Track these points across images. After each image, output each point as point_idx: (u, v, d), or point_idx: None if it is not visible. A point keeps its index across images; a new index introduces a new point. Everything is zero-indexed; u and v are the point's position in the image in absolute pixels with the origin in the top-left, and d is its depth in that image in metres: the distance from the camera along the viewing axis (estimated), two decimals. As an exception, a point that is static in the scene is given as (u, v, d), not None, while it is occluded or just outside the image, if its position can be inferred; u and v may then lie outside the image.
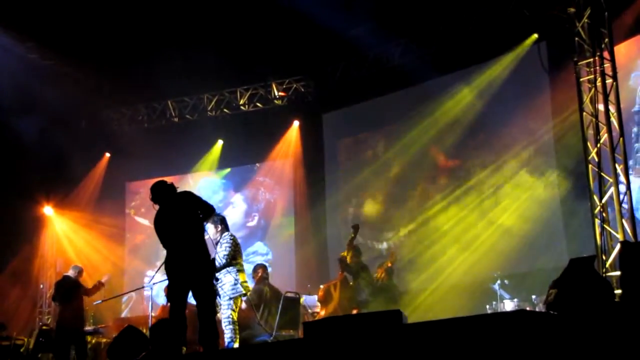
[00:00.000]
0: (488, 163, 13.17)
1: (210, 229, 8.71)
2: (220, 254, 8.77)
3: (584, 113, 10.34)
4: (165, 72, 14.41)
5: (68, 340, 11.03)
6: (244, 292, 8.89)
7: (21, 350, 12.47)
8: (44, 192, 16.13)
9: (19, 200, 14.76)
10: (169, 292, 7.67)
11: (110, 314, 14.61)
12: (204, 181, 17.13)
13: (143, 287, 12.80)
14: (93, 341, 12.38)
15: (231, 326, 8.63)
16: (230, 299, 8.68)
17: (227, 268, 8.80)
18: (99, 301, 11.66)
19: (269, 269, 13.79)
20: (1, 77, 13.18)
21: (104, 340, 12.62)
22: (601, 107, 10.09)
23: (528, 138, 12.62)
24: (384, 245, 14.22)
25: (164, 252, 7.63)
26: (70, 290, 11.23)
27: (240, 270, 8.96)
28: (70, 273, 11.61)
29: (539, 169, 12.47)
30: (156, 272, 10.59)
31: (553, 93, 12.30)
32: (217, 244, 8.90)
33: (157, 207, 7.81)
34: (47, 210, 16.46)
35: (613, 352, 3.93)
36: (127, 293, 15.08)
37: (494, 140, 13.16)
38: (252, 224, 16.71)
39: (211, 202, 7.99)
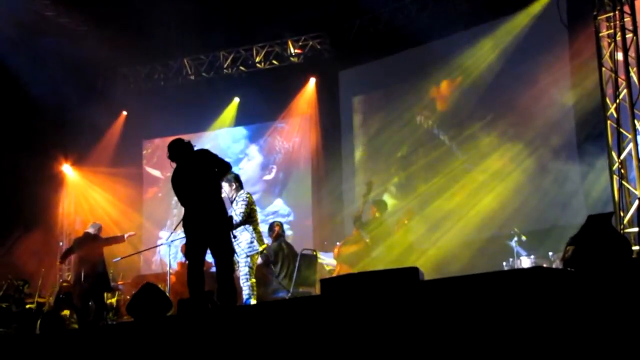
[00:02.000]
0: (505, 120, 13.06)
1: (225, 187, 8.73)
2: (236, 211, 8.81)
3: (603, 69, 10.21)
4: (180, 29, 14.36)
5: (88, 293, 11.18)
6: (260, 249, 8.95)
7: (44, 308, 12.67)
8: (62, 151, 16.24)
9: (37, 158, 14.85)
10: (187, 249, 7.73)
11: (129, 271, 14.75)
12: (220, 134, 17.08)
13: (161, 244, 12.89)
14: (114, 299, 12.52)
15: (249, 283, 8.70)
16: (248, 256, 8.74)
17: (244, 225, 8.84)
18: (118, 258, 11.79)
19: (290, 232, 13.86)
20: (17, 35, 13.17)
21: (124, 297, 12.78)
22: (621, 61, 9.95)
23: (547, 95, 12.48)
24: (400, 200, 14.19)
25: (175, 210, 7.70)
26: (89, 244, 11.36)
27: (257, 228, 9.01)
28: (90, 230, 11.73)
29: (557, 125, 12.36)
30: (174, 229, 10.66)
31: (572, 49, 12.15)
32: (232, 202, 8.94)
33: (174, 164, 7.87)
34: (65, 168, 16.57)
35: (630, 308, 3.93)
36: (145, 250, 15.20)
37: (512, 98, 13.03)
38: (269, 177, 16.61)
39: (228, 154, 8.01)
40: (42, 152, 15.19)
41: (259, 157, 16.76)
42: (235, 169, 8.63)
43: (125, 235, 11.99)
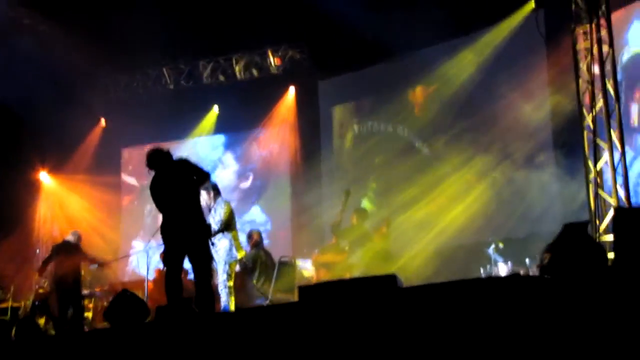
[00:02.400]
0: (482, 129, 13.14)
1: (204, 196, 8.76)
2: (214, 219, 8.83)
3: (580, 80, 10.33)
4: (160, 39, 14.32)
5: (66, 300, 11.12)
6: (239, 256, 8.95)
7: (18, 312, 12.58)
8: (39, 158, 16.13)
9: (13, 165, 14.77)
10: (166, 256, 7.73)
11: (106, 278, 14.67)
12: (199, 143, 17.04)
13: (139, 252, 12.85)
14: (91, 305, 12.46)
15: (227, 290, 8.71)
16: (226, 263, 8.76)
17: (222, 233, 8.86)
18: (95, 265, 11.76)
19: (267, 241, 13.83)
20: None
21: (101, 303, 12.70)
22: (598, 73, 10.07)
23: (524, 105, 12.59)
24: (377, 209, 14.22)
25: (148, 219, 7.72)
26: (69, 251, 11.32)
27: (235, 236, 9.02)
28: (70, 238, 11.69)
29: (534, 134, 12.46)
30: (152, 236, 10.63)
31: (550, 60, 12.28)
32: (210, 210, 8.96)
33: (150, 173, 7.88)
34: (43, 176, 16.47)
35: (605, 315, 3.98)
36: (123, 257, 15.15)
37: (489, 107, 13.12)
38: (246, 185, 16.58)
39: (205, 162, 8.05)
40: (19, 159, 15.11)
41: (235, 165, 16.73)
42: (212, 177, 8.66)
43: (103, 263, 12.00)
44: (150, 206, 16.17)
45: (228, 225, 8.91)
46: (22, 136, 14.90)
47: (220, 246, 8.78)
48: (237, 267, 9.47)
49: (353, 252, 10.68)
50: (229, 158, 16.80)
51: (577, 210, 10.52)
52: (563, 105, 11.68)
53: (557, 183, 11.80)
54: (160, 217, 7.95)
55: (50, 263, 11.58)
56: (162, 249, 8.62)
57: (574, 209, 10.81)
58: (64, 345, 6.18)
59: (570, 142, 11.28)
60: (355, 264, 10.57)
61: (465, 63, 13.42)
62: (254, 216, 16.06)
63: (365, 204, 13.91)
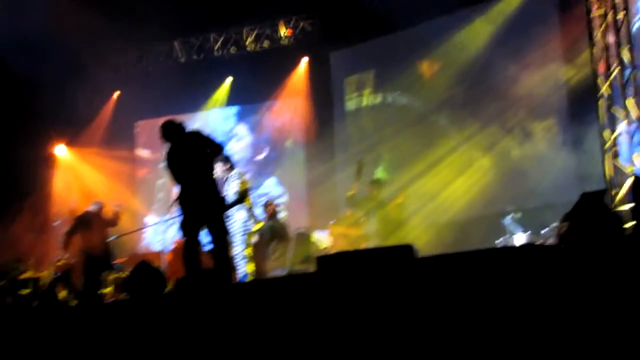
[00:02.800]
0: (497, 98, 13.09)
1: (218, 168, 8.77)
2: (229, 191, 8.85)
3: (595, 48, 10.26)
4: (171, 12, 14.27)
5: (95, 271, 11.23)
6: (255, 228, 9.00)
7: (39, 284, 12.70)
8: (55, 131, 16.21)
9: (30, 139, 14.85)
10: (183, 226, 7.77)
11: (125, 250, 14.78)
12: (212, 115, 17.03)
13: (157, 223, 12.89)
14: (110, 277, 12.54)
15: (244, 261, 8.77)
16: (243, 235, 8.80)
17: (238, 205, 8.89)
18: (113, 237, 11.82)
19: (285, 213, 13.88)
20: (8, 17, 13.09)
21: (120, 275, 12.79)
22: (613, 41, 10.00)
23: (539, 74, 12.51)
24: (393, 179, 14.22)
25: (161, 193, 7.75)
26: (91, 222, 11.37)
27: (251, 207, 9.06)
28: (92, 208, 11.75)
29: (549, 103, 12.40)
30: (170, 206, 10.68)
31: (563, 29, 12.18)
32: (225, 182, 8.97)
33: (165, 145, 7.91)
34: (59, 149, 16.56)
35: (622, 284, 3.99)
36: (141, 229, 15.25)
37: (504, 76, 13.04)
38: (260, 157, 16.57)
39: (218, 134, 8.05)
40: (35, 133, 15.18)
41: (249, 137, 16.72)
42: (225, 149, 8.67)
43: (115, 208, 11.94)
44: (162, 180, 16.28)
45: (243, 197, 8.94)
46: (38, 110, 14.96)
47: (237, 218, 8.83)
48: (254, 239, 9.51)
49: (369, 223, 10.71)
50: (243, 129, 16.78)
51: (593, 180, 10.50)
52: (577, 74, 11.61)
53: (573, 152, 11.77)
54: (173, 190, 7.98)
55: (73, 235, 11.60)
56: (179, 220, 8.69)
57: (590, 178, 10.79)
58: (85, 316, 6.24)
59: (585, 111, 11.22)
60: (371, 234, 10.60)
61: (477, 33, 13.34)
62: (270, 188, 16.07)
63: (381, 173, 13.89)
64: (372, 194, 10.97)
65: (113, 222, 11.76)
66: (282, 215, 12.04)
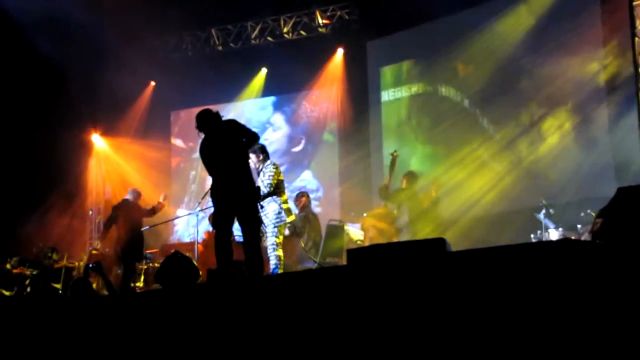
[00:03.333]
0: (534, 90, 12.92)
1: (252, 158, 8.76)
2: (263, 182, 8.84)
3: (637, 38, 10.08)
4: (208, 0, 14.33)
5: (132, 258, 11.33)
6: (288, 220, 8.98)
7: (73, 273, 12.84)
8: (91, 120, 16.36)
9: (66, 128, 15.01)
10: (215, 219, 7.78)
11: (158, 240, 14.89)
12: (247, 104, 17.06)
13: (190, 213, 12.95)
14: (142, 267, 12.63)
15: (276, 253, 8.75)
16: (275, 226, 8.78)
17: (271, 197, 8.88)
18: (147, 227, 11.89)
19: (319, 209, 13.86)
20: (45, 9, 13.20)
21: (152, 265, 12.89)
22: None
23: (578, 65, 12.31)
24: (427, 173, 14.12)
25: (193, 185, 7.76)
26: (129, 210, 11.45)
27: (284, 199, 9.04)
28: (129, 197, 11.82)
29: (588, 95, 12.19)
30: (202, 198, 10.72)
31: (604, 17, 11.97)
32: (259, 172, 8.96)
33: (198, 135, 7.92)
34: (95, 137, 16.71)
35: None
36: (174, 219, 15.35)
37: (542, 67, 12.87)
38: (297, 149, 16.54)
39: (254, 123, 8.04)
40: (72, 122, 15.35)
41: (286, 127, 16.70)
42: (261, 140, 8.66)
43: (161, 199, 11.92)
44: (194, 172, 16.36)
45: (277, 188, 8.92)
46: (75, 99, 15.10)
47: (269, 209, 8.81)
48: (287, 231, 9.50)
49: (402, 216, 10.65)
50: (279, 119, 16.78)
51: (632, 174, 10.32)
52: (618, 65, 11.41)
53: (611, 146, 11.58)
54: (206, 182, 8.00)
55: (112, 225, 11.66)
56: (211, 211, 8.70)
57: (628, 172, 10.61)
58: (117, 306, 6.29)
59: (624, 103, 11.03)
60: (404, 227, 10.54)
61: (516, 22, 13.17)
62: (306, 182, 16.05)
63: (415, 165, 13.79)
64: (406, 187, 10.91)
65: (151, 211, 11.80)
66: (316, 210, 12.01)
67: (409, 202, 10.72)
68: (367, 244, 10.54)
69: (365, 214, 11.50)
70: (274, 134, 16.62)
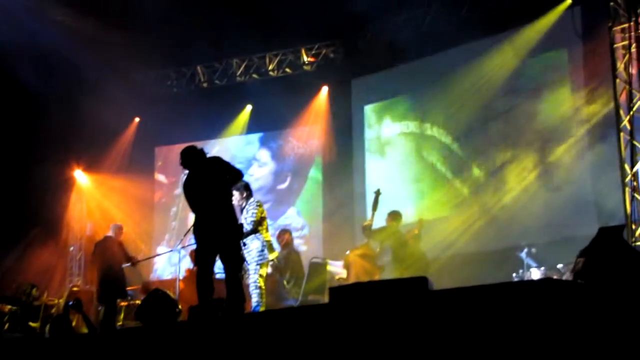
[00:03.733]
0: (515, 130, 13.02)
1: (236, 195, 8.76)
2: (246, 219, 8.83)
3: (617, 80, 10.19)
4: (194, 37, 14.38)
5: (114, 295, 11.22)
6: (270, 257, 8.96)
7: (52, 311, 12.67)
8: (74, 156, 16.26)
9: (48, 163, 14.91)
10: (197, 256, 7.75)
11: (137, 277, 14.77)
12: (232, 142, 17.02)
13: (172, 250, 12.88)
14: (123, 304, 12.51)
15: (258, 290, 8.70)
16: (257, 264, 8.75)
17: (254, 234, 8.86)
18: (127, 264, 11.80)
19: (304, 247, 13.79)
20: (29, 42, 13.22)
21: (133, 302, 12.76)
22: (636, 73, 9.94)
23: (559, 106, 12.43)
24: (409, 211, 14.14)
25: (174, 222, 7.75)
26: (111, 247, 11.38)
27: (267, 236, 9.03)
28: (111, 233, 11.75)
29: (569, 136, 12.29)
30: (184, 236, 10.68)
31: (586, 59, 12.12)
32: (242, 210, 8.95)
33: (180, 171, 7.92)
34: (77, 173, 16.60)
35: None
36: (155, 256, 15.25)
37: (523, 107, 12.99)
38: (282, 186, 16.46)
39: (239, 158, 8.04)
40: (53, 158, 15.24)
41: (271, 164, 16.65)
42: (246, 176, 8.66)
43: (135, 262, 11.95)
44: (175, 208, 16.27)
45: (260, 225, 8.91)
46: (58, 134, 15.04)
47: (252, 247, 8.78)
48: (269, 269, 9.46)
49: (384, 253, 10.65)
50: (265, 155, 16.71)
51: (612, 215, 10.37)
52: (599, 106, 11.52)
53: (592, 186, 11.65)
54: (188, 219, 7.98)
55: (95, 261, 11.60)
56: (193, 248, 8.65)
57: (608, 213, 10.66)
58: (97, 343, 6.23)
59: (605, 144, 11.12)
60: (387, 265, 10.54)
61: (499, 62, 13.28)
62: (291, 219, 15.94)
63: (399, 202, 13.78)
64: (389, 225, 10.92)
65: (129, 258, 11.75)
66: (302, 248, 11.94)
67: (391, 240, 10.72)
68: (351, 279, 10.50)
69: (348, 252, 11.48)
70: (260, 169, 16.56)
